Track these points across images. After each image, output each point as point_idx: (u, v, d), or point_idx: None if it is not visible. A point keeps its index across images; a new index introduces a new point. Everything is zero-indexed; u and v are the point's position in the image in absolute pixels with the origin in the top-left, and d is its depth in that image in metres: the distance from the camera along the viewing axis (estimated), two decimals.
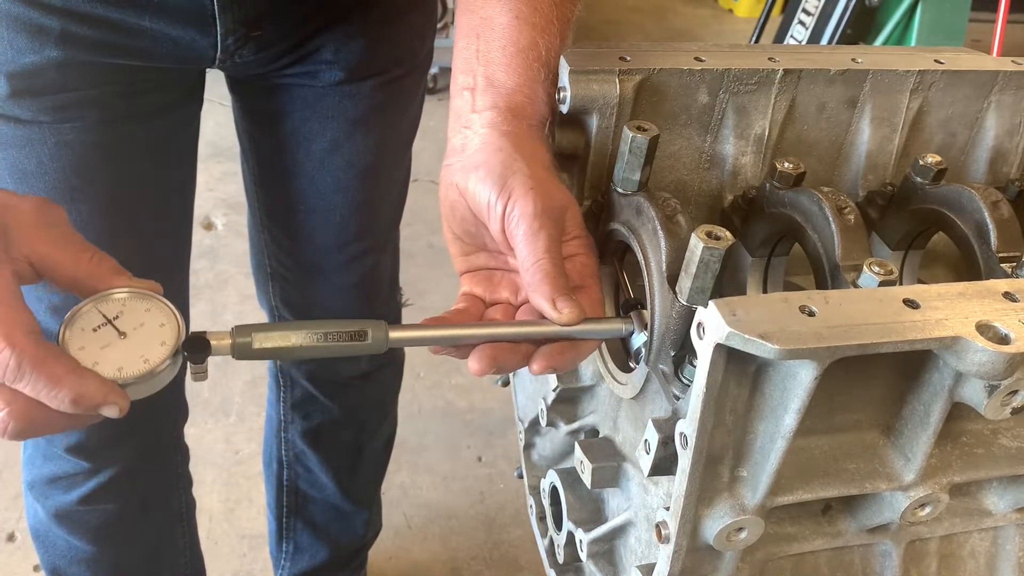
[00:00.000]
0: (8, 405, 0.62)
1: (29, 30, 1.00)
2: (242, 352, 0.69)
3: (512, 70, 0.81)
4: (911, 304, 0.61)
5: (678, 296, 0.69)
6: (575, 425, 0.99)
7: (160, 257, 1.24)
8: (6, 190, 0.70)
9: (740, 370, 0.63)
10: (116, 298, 0.68)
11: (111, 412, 0.65)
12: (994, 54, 2.43)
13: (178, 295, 1.28)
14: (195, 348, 0.67)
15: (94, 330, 0.67)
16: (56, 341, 0.66)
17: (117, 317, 0.67)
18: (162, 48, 1.07)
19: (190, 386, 0.72)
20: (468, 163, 0.79)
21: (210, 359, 0.69)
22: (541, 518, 1.08)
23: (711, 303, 0.59)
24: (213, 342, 0.68)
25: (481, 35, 0.83)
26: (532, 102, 0.82)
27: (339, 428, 1.62)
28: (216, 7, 1.04)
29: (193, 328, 0.70)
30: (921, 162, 0.85)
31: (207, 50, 1.09)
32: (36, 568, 1.99)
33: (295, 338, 0.69)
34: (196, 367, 0.68)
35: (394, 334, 0.72)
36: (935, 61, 0.92)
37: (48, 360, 0.62)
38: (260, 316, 1.52)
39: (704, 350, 0.61)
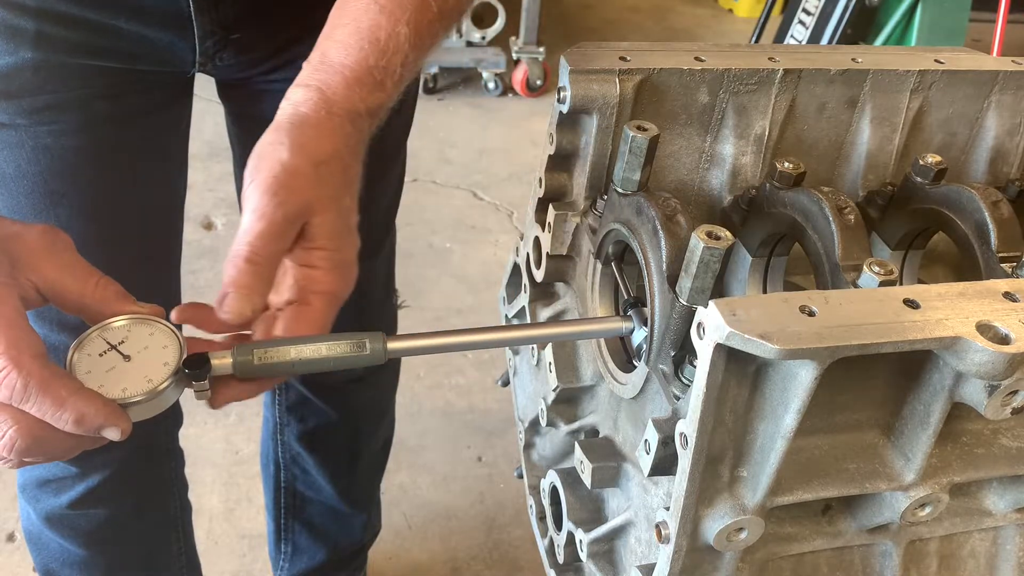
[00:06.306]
0: (15, 424, 0.63)
1: (3, 31, 0.98)
2: (243, 369, 0.70)
3: (346, 49, 0.78)
4: (911, 304, 0.61)
5: (678, 296, 0.69)
6: (575, 425, 0.99)
7: (147, 260, 1.22)
8: (12, 219, 0.70)
9: (740, 370, 0.63)
10: (120, 325, 0.70)
11: (112, 434, 0.66)
12: (994, 54, 2.43)
13: (168, 297, 1.27)
14: (195, 365, 0.69)
15: (100, 355, 0.68)
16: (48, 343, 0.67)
17: (122, 343, 0.69)
18: (140, 50, 1.05)
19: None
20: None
21: None
22: (541, 518, 1.08)
23: (711, 303, 0.59)
24: (214, 361, 0.69)
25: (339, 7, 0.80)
26: (347, 87, 0.76)
27: (335, 431, 1.61)
28: (192, 9, 1.03)
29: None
30: (921, 162, 0.85)
31: (186, 52, 1.08)
32: (36, 568, 1.98)
33: (294, 353, 0.71)
34: (198, 385, 0.70)
35: (392, 345, 0.73)
36: (935, 61, 0.92)
37: (53, 382, 0.63)
38: None
39: (704, 350, 0.61)
